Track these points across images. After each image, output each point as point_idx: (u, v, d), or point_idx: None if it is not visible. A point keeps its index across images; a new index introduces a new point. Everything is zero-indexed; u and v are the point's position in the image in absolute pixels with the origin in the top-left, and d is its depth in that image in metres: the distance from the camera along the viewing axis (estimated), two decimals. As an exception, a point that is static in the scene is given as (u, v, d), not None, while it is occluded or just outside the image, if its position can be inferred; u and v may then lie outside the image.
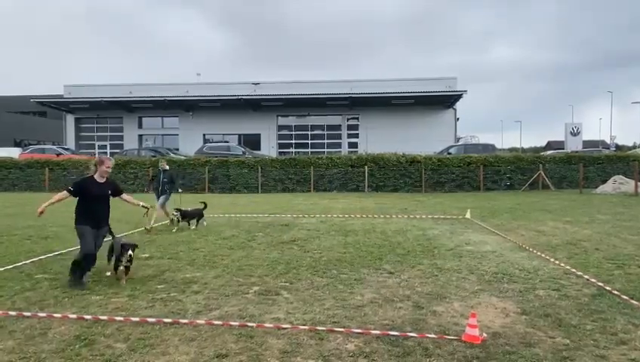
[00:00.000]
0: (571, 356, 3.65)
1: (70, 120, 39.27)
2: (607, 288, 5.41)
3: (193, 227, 10.43)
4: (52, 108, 40.53)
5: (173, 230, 10.06)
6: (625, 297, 5.06)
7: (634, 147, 49.37)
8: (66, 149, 31.98)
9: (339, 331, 4.16)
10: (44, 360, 3.64)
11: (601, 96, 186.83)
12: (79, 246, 5.76)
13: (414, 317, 4.56)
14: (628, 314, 4.57)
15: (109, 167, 5.91)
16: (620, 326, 4.24)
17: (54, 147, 32.86)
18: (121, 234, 9.57)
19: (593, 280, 5.79)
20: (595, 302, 4.94)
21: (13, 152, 32.20)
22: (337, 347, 3.84)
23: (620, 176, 20.42)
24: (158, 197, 10.88)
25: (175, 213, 10.28)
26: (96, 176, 5.85)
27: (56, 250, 7.94)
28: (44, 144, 39.29)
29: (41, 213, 5.70)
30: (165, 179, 10.89)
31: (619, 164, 22.53)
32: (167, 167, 11.22)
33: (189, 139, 36.07)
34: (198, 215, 10.74)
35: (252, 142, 36.11)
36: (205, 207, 10.95)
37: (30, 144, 42.23)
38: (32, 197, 20.25)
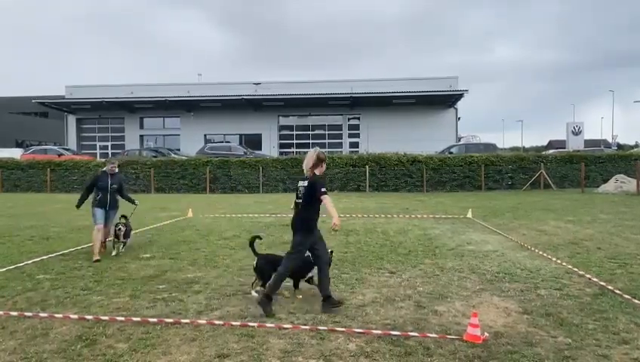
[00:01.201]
0: (573, 355, 3.64)
1: (71, 120, 39.35)
2: (609, 287, 5.40)
3: (121, 248, 7.82)
4: (53, 108, 40.59)
5: (113, 253, 7.59)
6: (627, 296, 5.04)
7: (636, 146, 49.31)
8: (68, 150, 32.05)
9: (340, 331, 4.16)
10: (45, 360, 3.64)
11: (603, 95, 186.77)
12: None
13: (416, 316, 4.56)
14: (630, 313, 4.56)
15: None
16: (622, 326, 4.23)
17: (56, 147, 32.93)
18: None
19: (595, 279, 5.77)
20: (597, 302, 4.92)
21: (15, 153, 32.28)
22: (338, 346, 3.84)
23: (622, 176, 20.37)
24: (106, 212, 7.73)
25: (121, 228, 7.67)
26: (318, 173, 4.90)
27: (58, 250, 7.95)
28: (46, 145, 39.40)
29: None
30: (115, 186, 7.75)
31: (621, 163, 22.49)
32: (117, 170, 8.01)
33: (190, 140, 36.11)
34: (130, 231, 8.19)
35: (253, 142, 36.14)
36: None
37: (32, 145, 42.35)
38: (33, 198, 20.29)
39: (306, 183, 4.83)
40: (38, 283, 5.84)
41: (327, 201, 4.69)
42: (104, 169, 7.90)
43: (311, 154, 4.91)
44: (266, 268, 5.13)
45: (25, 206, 16.23)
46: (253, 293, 5.21)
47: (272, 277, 4.83)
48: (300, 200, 4.84)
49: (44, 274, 6.29)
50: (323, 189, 4.68)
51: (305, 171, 4.90)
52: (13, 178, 24.85)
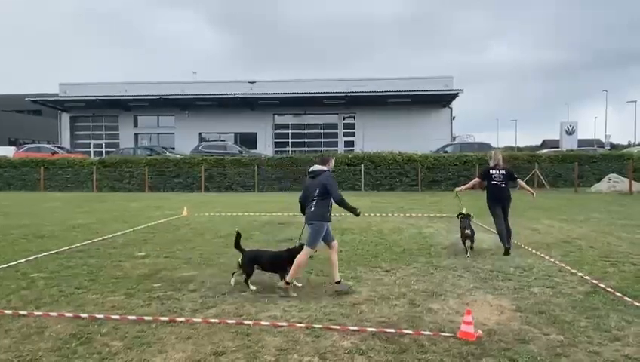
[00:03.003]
0: (565, 352, 3.68)
1: (65, 118, 39.07)
2: (601, 285, 5.46)
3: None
4: (47, 106, 40.29)
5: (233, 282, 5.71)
6: (618, 294, 5.10)
7: (628, 146, 49.70)
8: (61, 148, 31.84)
9: (335, 328, 4.18)
10: (40, 358, 3.64)
11: (597, 95, 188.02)
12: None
13: (410, 314, 4.59)
14: (621, 310, 4.62)
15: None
16: (614, 323, 4.28)
17: (49, 146, 32.70)
18: (117, 234, 9.55)
19: (587, 277, 5.83)
20: (589, 299, 4.98)
21: (8, 151, 32.03)
22: (333, 344, 3.86)
23: (615, 175, 20.54)
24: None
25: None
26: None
27: (52, 248, 7.91)
28: (39, 143, 39.10)
29: (457, 192, 7.94)
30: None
31: (613, 163, 22.65)
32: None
33: (185, 138, 35.95)
34: None
35: (248, 140, 36.05)
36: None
37: (25, 143, 42.01)
38: (27, 197, 20.17)
39: (503, 171, 7.55)
40: (32, 282, 5.82)
41: (522, 182, 7.98)
42: (323, 168, 5.47)
43: (500, 153, 7.87)
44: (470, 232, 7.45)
45: (18, 204, 16.13)
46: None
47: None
48: (501, 182, 7.52)
49: (38, 273, 6.26)
50: (515, 175, 7.70)
51: (494, 164, 7.59)
52: (6, 176, 24.68)
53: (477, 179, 7.92)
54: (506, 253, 7.27)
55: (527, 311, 4.63)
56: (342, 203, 5.25)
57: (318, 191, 5.27)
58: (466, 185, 8.02)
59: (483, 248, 7.81)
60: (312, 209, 5.30)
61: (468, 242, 7.41)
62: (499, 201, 7.56)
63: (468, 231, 7.37)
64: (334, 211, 5.44)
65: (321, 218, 5.27)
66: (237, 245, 5.64)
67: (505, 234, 7.39)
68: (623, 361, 3.53)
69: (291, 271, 5.28)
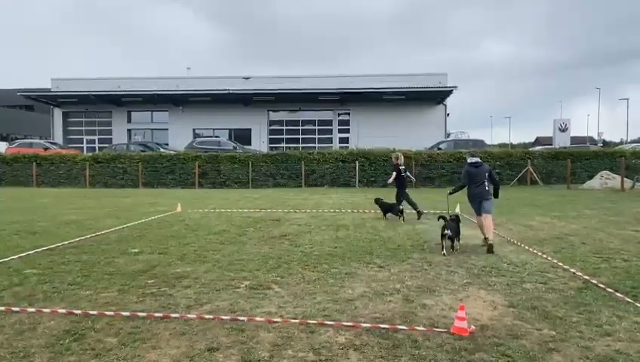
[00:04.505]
0: (557, 347, 3.72)
1: (58, 114, 38.72)
2: (593, 281, 5.51)
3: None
4: (39, 102, 39.90)
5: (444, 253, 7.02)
6: (610, 290, 5.15)
7: (621, 143, 50.08)
8: (54, 144, 31.59)
9: (329, 324, 4.20)
10: (33, 354, 3.62)
11: (590, 92, 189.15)
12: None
13: (404, 310, 4.61)
14: (613, 306, 4.66)
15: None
16: (605, 318, 4.32)
17: (42, 141, 32.44)
18: (109, 230, 9.52)
19: (579, 273, 5.89)
20: (580, 295, 5.03)
21: (0, 147, 31.75)
22: (328, 340, 3.88)
23: (607, 172, 20.70)
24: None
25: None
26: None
27: (45, 245, 7.86)
28: (32, 138, 38.78)
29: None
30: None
31: (606, 160, 22.81)
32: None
33: (178, 134, 35.78)
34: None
35: (243, 137, 35.94)
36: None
37: (17, 138, 41.65)
38: (19, 193, 20.00)
39: (403, 167, 11.30)
40: (25, 278, 5.78)
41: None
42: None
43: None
44: None
45: (10, 200, 16.00)
46: None
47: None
48: (408, 177, 11.36)
49: (31, 269, 6.23)
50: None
51: (400, 163, 11.21)
52: (-2, 172, 24.48)
53: (394, 174, 11.17)
54: (419, 216, 10.72)
55: (519, 307, 4.67)
56: (498, 186, 7.85)
57: (487, 175, 7.67)
58: (391, 179, 11.45)
59: (476, 244, 7.84)
60: (487, 188, 7.62)
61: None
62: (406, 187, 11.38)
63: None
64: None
65: (492, 194, 7.67)
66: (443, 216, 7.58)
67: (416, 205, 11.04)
68: (614, 356, 3.57)
69: (490, 231, 7.38)
